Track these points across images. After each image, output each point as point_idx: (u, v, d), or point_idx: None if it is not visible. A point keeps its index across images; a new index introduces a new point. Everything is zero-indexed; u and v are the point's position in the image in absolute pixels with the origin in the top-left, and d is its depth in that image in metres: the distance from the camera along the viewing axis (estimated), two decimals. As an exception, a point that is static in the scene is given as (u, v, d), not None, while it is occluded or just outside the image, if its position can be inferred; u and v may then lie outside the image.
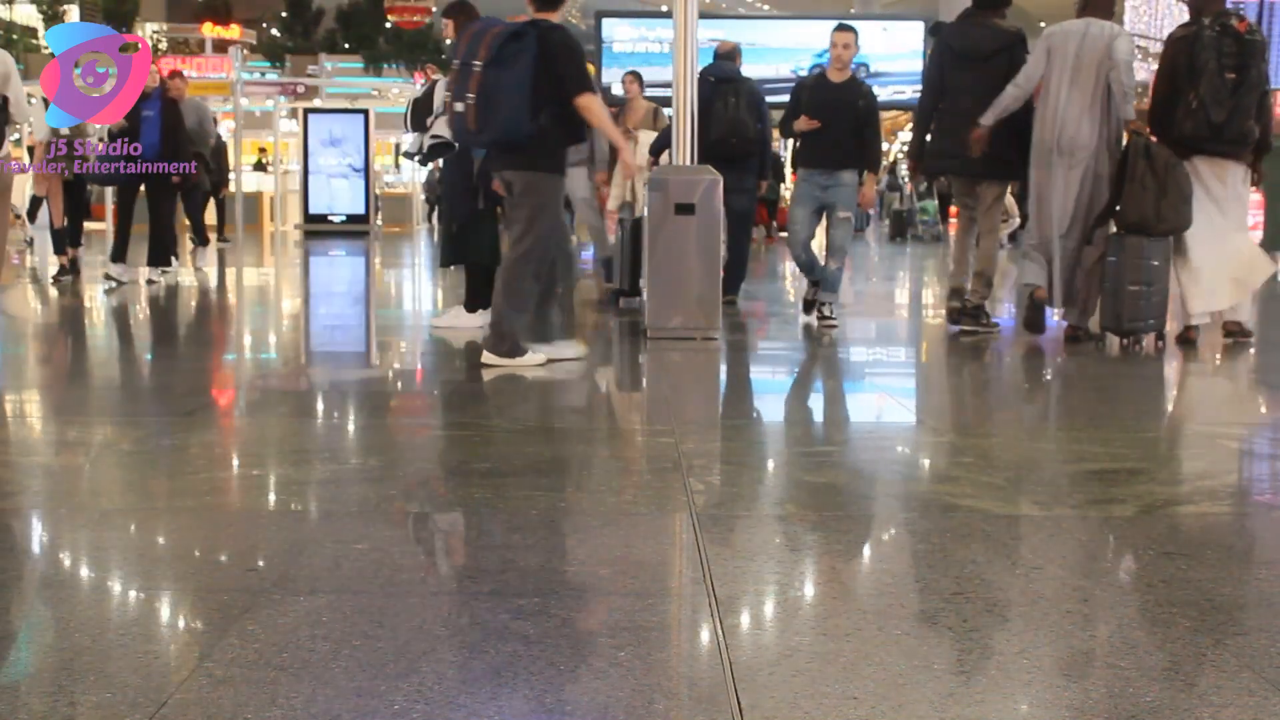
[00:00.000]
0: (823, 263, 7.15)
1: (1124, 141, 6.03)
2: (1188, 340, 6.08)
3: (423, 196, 22.08)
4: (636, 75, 9.25)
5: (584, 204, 8.53)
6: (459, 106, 5.07)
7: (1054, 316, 6.62)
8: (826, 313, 7.10)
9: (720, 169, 6.47)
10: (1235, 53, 5.76)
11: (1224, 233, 6.05)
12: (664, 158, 7.44)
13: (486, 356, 5.36)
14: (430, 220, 21.51)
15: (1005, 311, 7.45)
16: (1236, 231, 6.18)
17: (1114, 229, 6.02)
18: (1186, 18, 6.12)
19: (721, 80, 7.79)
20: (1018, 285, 6.76)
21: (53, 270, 9.88)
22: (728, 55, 8.18)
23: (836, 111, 6.84)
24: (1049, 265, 6.18)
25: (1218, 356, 6.07)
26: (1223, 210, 6.04)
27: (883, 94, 26.42)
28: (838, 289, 7.19)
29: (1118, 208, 5.94)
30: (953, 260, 7.03)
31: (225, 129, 17.96)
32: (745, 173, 7.87)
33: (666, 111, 7.48)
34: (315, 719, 1.80)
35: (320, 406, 4.89)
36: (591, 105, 5.20)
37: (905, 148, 30.13)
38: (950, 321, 6.74)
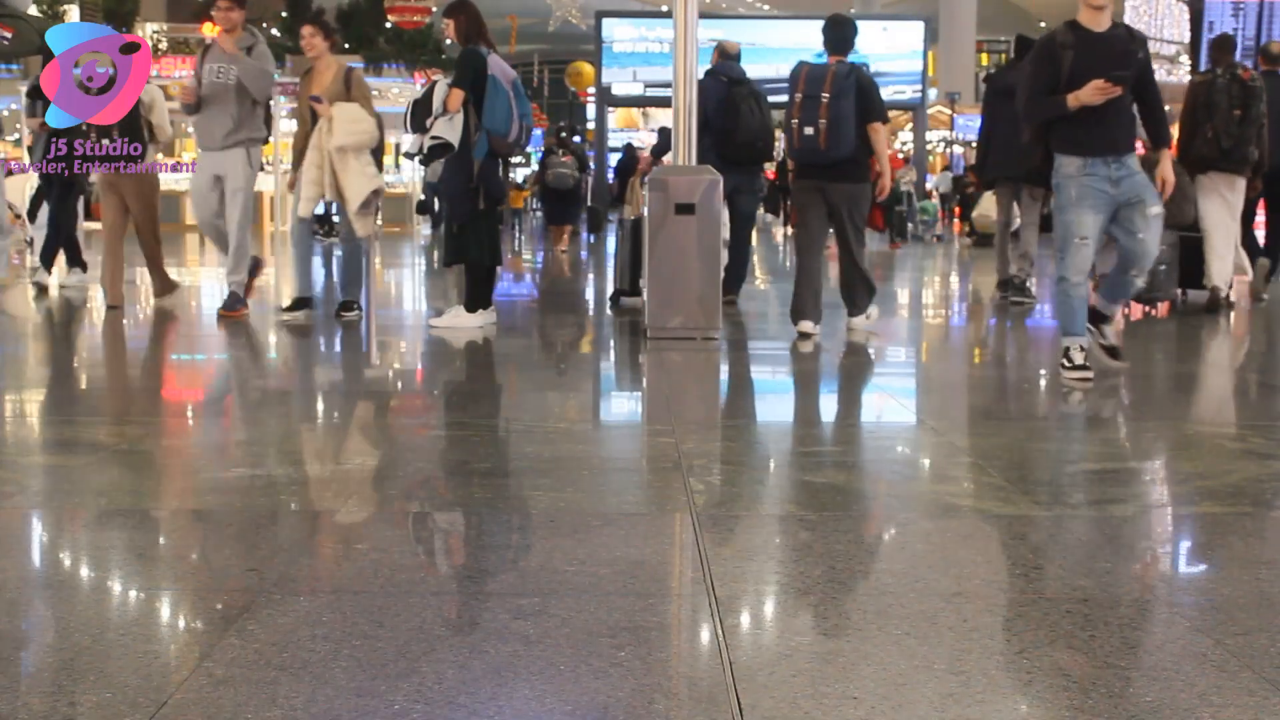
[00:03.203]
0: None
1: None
2: (1217, 304, 7.83)
3: (421, 197, 22.00)
4: (320, 25, 7.26)
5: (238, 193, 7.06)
6: (809, 131, 6.30)
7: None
8: (1112, 338, 5.33)
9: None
10: (1240, 95, 7.57)
11: (1234, 229, 7.98)
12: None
13: (856, 322, 6.68)
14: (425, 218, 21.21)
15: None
16: (1236, 227, 8.01)
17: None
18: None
19: (736, 82, 7.89)
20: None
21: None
22: (737, 56, 8.22)
23: (1113, 70, 4.93)
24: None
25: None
26: (1231, 212, 7.88)
27: (883, 94, 26.47)
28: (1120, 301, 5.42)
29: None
30: (998, 258, 8.65)
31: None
32: (755, 175, 8.00)
33: (376, 82, 6.46)
34: (315, 719, 1.80)
35: (320, 406, 4.89)
36: (883, 131, 6.59)
37: (905, 148, 30.20)
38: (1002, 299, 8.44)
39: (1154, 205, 5.09)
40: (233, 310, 7.20)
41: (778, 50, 20.44)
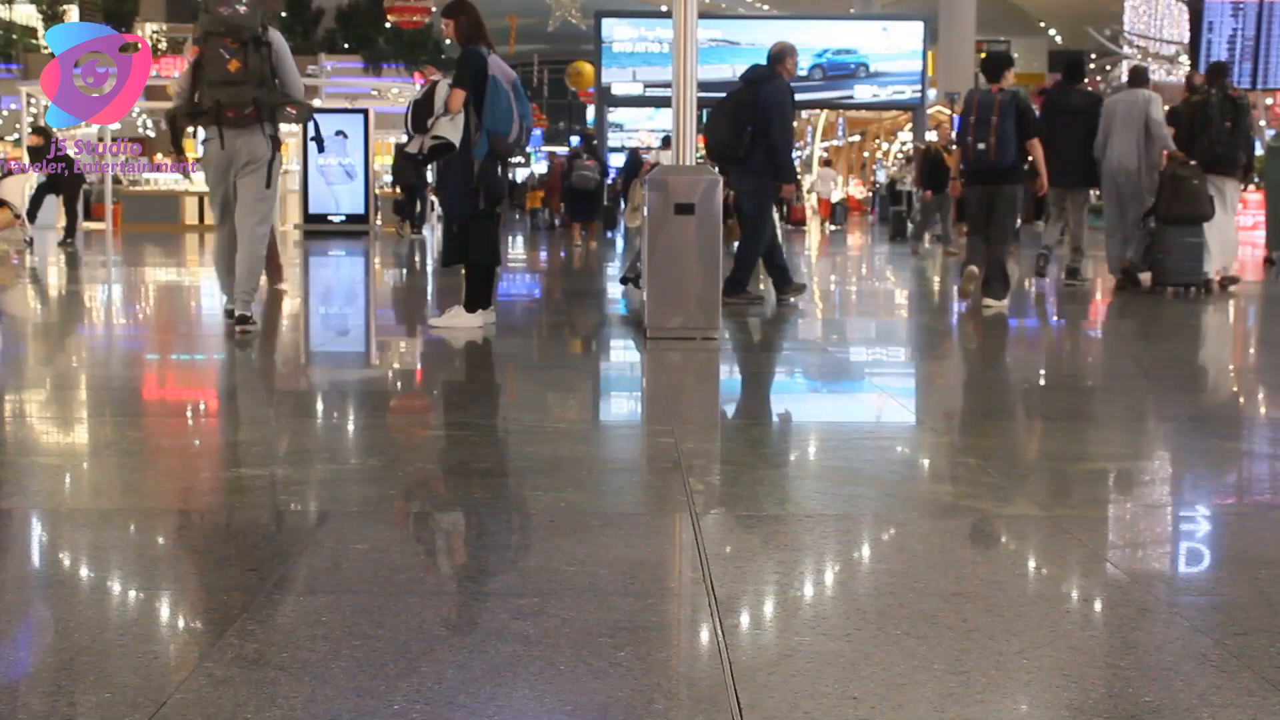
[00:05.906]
0: None
1: (1162, 165, 9.40)
2: (1218, 288, 9.39)
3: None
4: None
5: None
6: (981, 146, 7.95)
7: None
8: None
9: (721, 171, 6.66)
10: (1231, 110, 9.32)
11: (1227, 221, 9.57)
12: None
13: (991, 302, 7.94)
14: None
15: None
16: (1232, 220, 9.73)
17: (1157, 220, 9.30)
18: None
19: (742, 82, 8.18)
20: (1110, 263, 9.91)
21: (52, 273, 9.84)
22: (768, 59, 8.39)
23: None
24: (1121, 245, 9.52)
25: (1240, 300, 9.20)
26: (1226, 208, 9.44)
27: (883, 94, 26.47)
28: None
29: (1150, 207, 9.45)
30: (1064, 245, 10.18)
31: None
32: (744, 174, 8.10)
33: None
34: (315, 719, 1.80)
35: (320, 406, 4.89)
36: (1039, 145, 8.20)
37: (905, 148, 30.11)
38: (1067, 279, 9.87)
39: None
40: None
41: (777, 50, 20.40)
